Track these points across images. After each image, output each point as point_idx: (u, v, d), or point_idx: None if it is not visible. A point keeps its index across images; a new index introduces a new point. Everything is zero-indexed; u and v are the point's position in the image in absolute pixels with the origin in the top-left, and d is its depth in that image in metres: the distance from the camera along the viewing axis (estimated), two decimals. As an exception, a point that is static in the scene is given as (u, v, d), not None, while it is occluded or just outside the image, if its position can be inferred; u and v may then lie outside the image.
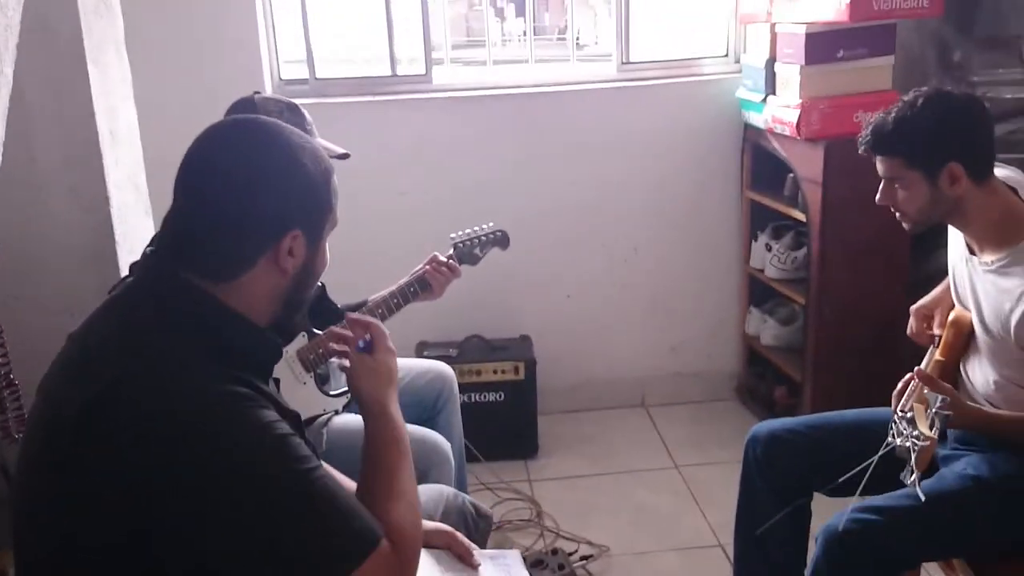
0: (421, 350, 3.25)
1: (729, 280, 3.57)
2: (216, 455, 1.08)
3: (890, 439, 1.72)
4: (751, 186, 3.40)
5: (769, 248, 3.30)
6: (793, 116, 2.92)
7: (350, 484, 1.41)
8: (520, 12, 5.63)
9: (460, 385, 2.51)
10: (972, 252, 1.86)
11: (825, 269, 2.97)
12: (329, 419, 2.11)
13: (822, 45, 2.88)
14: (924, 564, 2.04)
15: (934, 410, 1.67)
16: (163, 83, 2.88)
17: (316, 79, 3.32)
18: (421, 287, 2.31)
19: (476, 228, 2.43)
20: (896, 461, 1.73)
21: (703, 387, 3.64)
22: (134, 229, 2.14)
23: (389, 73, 3.38)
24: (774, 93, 3.08)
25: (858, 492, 1.81)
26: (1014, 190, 1.83)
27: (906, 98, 1.81)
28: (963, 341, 1.95)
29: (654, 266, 3.51)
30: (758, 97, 3.16)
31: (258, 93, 2.17)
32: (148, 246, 1.83)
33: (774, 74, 3.07)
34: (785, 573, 2.10)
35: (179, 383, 1.11)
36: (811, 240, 3.00)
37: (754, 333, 3.50)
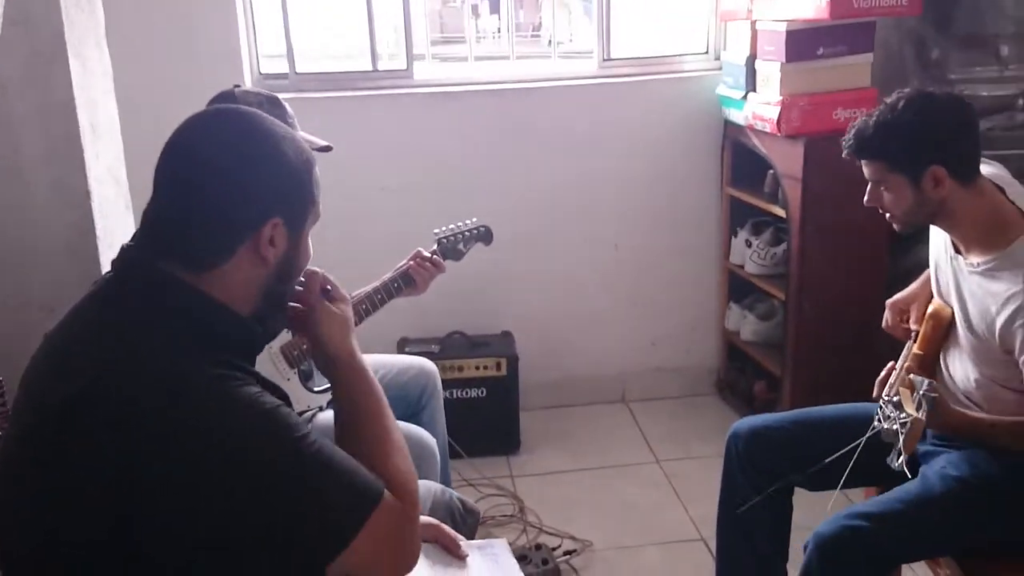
0: (403, 346, 3.25)
1: (709, 276, 3.60)
2: (208, 449, 1.07)
3: (876, 423, 1.74)
4: (731, 182, 3.43)
5: (749, 244, 3.33)
6: (773, 113, 2.94)
7: None
8: (494, 9, 5.63)
9: (442, 381, 2.51)
10: (958, 251, 1.86)
11: (805, 265, 2.99)
12: (313, 415, 2.10)
13: (802, 42, 2.90)
14: (911, 565, 2.07)
15: (921, 392, 1.69)
16: (142, 77, 2.85)
17: (296, 74, 3.30)
18: (405, 283, 2.30)
19: (459, 224, 2.43)
20: (878, 453, 1.75)
21: (683, 382, 3.66)
22: (115, 224, 2.12)
23: (370, 68, 3.36)
24: (754, 90, 3.10)
25: (841, 483, 1.83)
26: (1001, 189, 1.82)
27: (888, 100, 1.80)
28: (942, 334, 1.96)
29: (635, 262, 3.53)
30: (738, 94, 3.18)
31: (238, 87, 2.16)
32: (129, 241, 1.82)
33: (754, 71, 3.09)
34: (768, 566, 2.12)
35: (163, 372, 1.10)
36: (791, 236, 3.02)
37: (734, 328, 3.52)
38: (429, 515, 1.64)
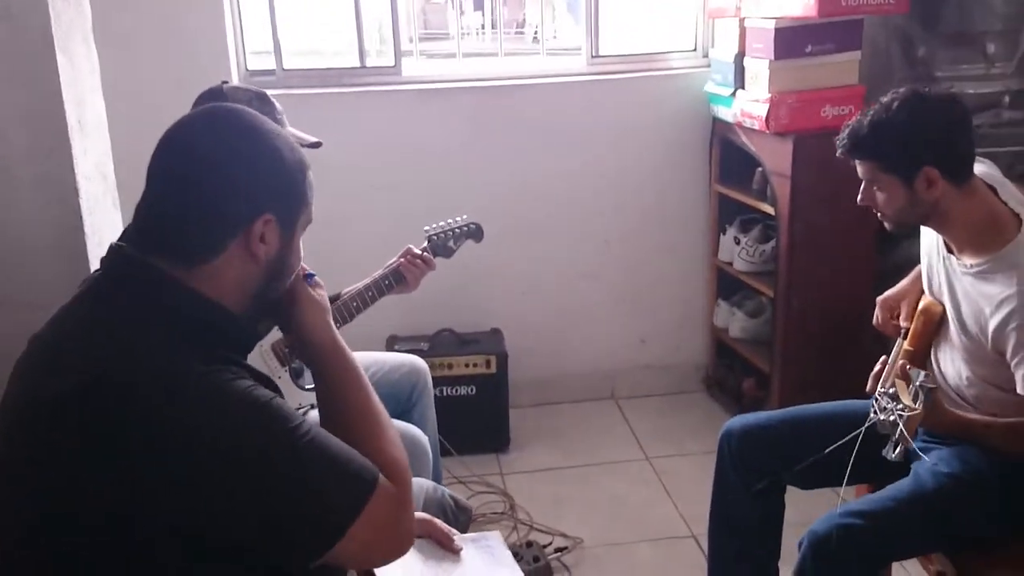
0: (392, 344, 3.24)
1: (697, 273, 3.60)
2: (203, 444, 1.07)
3: (872, 415, 1.74)
4: (719, 180, 3.43)
5: (737, 241, 3.33)
6: (762, 110, 2.94)
7: None
8: (478, 6, 5.62)
9: (432, 379, 2.50)
10: (950, 251, 1.86)
11: (793, 262, 3.00)
12: (305, 413, 2.09)
13: (791, 40, 2.91)
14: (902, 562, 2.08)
15: (918, 383, 1.69)
16: (129, 74, 2.83)
17: (283, 70, 3.28)
18: (396, 280, 2.29)
19: (450, 221, 2.42)
20: (871, 450, 1.76)
21: (672, 379, 3.67)
22: (102, 221, 2.09)
23: (358, 64, 3.35)
24: (743, 87, 3.11)
25: (845, 479, 1.83)
26: (993, 189, 1.82)
27: (883, 100, 1.80)
28: (933, 330, 1.97)
29: (624, 259, 3.53)
30: (727, 91, 3.18)
31: (226, 83, 2.15)
32: (118, 239, 1.80)
33: (743, 68, 3.10)
34: (760, 565, 2.12)
35: (156, 368, 1.10)
36: (779, 233, 3.03)
37: (722, 325, 3.53)
38: (422, 512, 1.63)
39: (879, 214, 1.90)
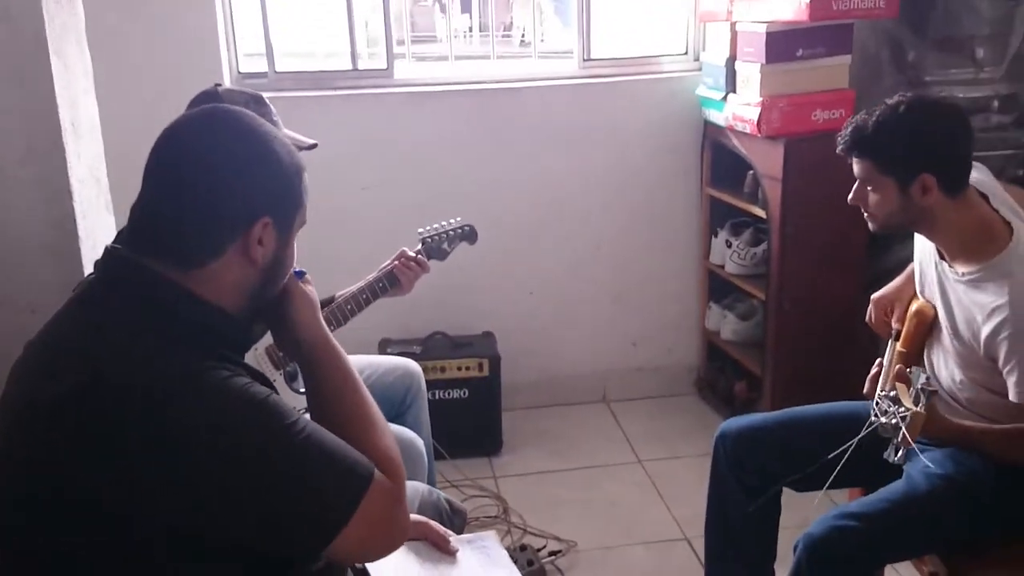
0: (384, 347, 3.23)
1: (689, 276, 3.61)
2: (201, 443, 1.07)
3: (873, 419, 1.74)
4: (711, 183, 3.44)
5: (729, 244, 3.35)
6: (754, 114, 2.96)
7: None
8: (466, 8, 5.62)
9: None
10: (942, 258, 1.87)
11: (785, 264, 3.01)
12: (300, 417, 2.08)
13: (782, 44, 2.92)
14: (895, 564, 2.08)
15: (919, 386, 1.70)
16: (120, 76, 2.82)
17: (276, 73, 3.28)
18: (390, 283, 2.29)
19: (444, 223, 2.42)
20: (866, 453, 1.77)
21: (663, 382, 3.67)
22: (95, 223, 2.09)
23: (350, 67, 3.35)
24: (734, 91, 3.12)
25: (829, 482, 1.84)
26: (985, 196, 1.83)
27: (890, 102, 1.80)
28: (925, 331, 1.98)
29: (615, 262, 3.54)
30: (718, 95, 3.20)
31: (219, 85, 2.14)
32: (112, 242, 1.79)
33: (734, 72, 3.11)
34: (756, 567, 2.12)
35: (153, 369, 1.10)
36: (771, 236, 3.05)
37: (714, 328, 3.54)
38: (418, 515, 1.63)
39: (867, 214, 1.90)
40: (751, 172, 3.17)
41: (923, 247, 1.97)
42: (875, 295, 2.12)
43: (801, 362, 3.08)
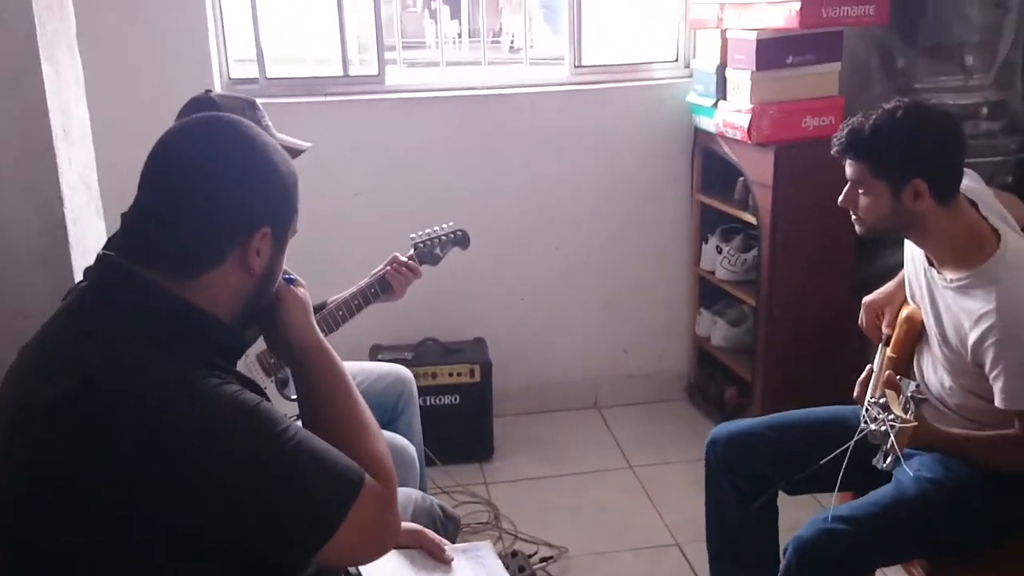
0: (375, 353, 3.23)
1: (679, 282, 3.62)
2: (193, 449, 1.08)
3: (863, 425, 1.75)
4: (701, 189, 3.45)
5: (719, 250, 3.36)
6: (744, 121, 2.97)
7: None
8: (454, 15, 5.63)
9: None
10: (931, 264, 1.88)
11: (775, 271, 3.02)
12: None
13: (772, 51, 2.93)
14: (885, 568, 2.09)
15: (908, 394, 1.71)
16: (111, 82, 2.81)
17: (266, 79, 3.28)
18: (382, 288, 2.29)
19: (436, 228, 2.42)
20: (856, 458, 1.78)
21: (654, 388, 3.68)
22: (86, 230, 2.09)
23: (341, 73, 3.35)
24: (725, 98, 3.13)
25: (836, 486, 1.84)
26: (974, 203, 1.84)
27: (887, 106, 1.81)
28: (915, 336, 1.99)
29: (606, 268, 3.54)
30: (709, 102, 3.21)
31: (209, 91, 2.14)
32: (103, 249, 1.79)
33: (725, 79, 3.12)
34: (757, 569, 2.12)
35: (146, 375, 1.10)
36: (761, 242, 3.06)
37: (704, 334, 3.55)
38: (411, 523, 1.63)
39: (855, 217, 1.90)
40: (741, 179, 3.19)
41: (912, 253, 1.98)
42: (866, 299, 2.13)
43: (791, 368, 3.09)
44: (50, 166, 1.89)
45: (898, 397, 1.72)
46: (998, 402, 1.75)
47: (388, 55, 3.36)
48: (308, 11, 3.56)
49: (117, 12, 2.97)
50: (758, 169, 3.02)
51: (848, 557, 1.79)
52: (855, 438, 1.79)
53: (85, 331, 1.17)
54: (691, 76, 3.39)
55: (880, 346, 2.06)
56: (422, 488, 2.24)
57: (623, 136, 3.42)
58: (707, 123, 3.25)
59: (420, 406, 2.51)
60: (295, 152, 1.97)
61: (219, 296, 1.21)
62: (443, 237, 2.41)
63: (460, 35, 5.88)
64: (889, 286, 2.11)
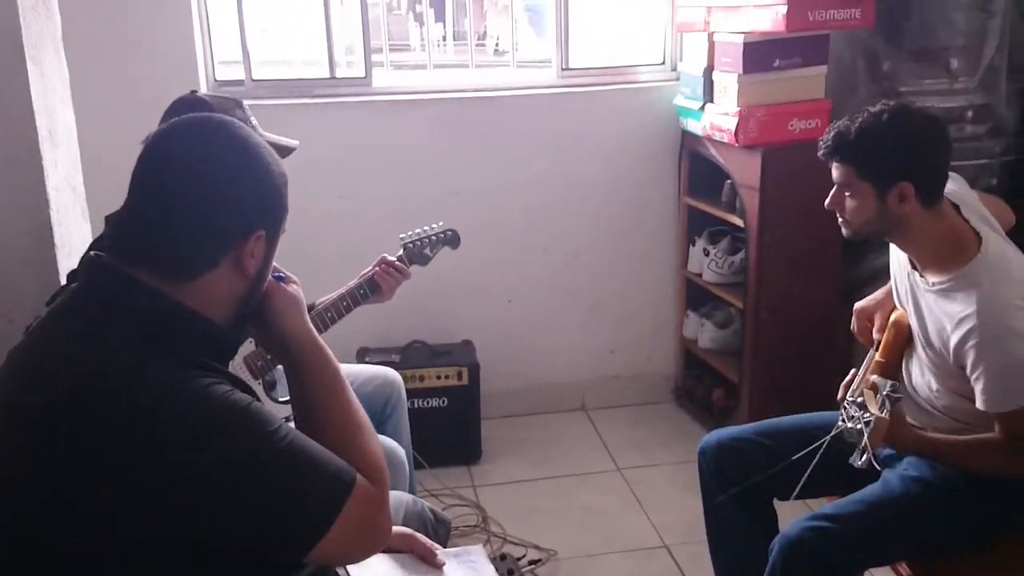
0: (362, 356, 3.22)
1: (667, 284, 3.63)
2: (184, 449, 1.08)
3: (840, 423, 1.77)
4: (688, 192, 3.46)
5: (707, 253, 3.36)
6: (731, 124, 2.98)
7: None
8: (439, 17, 5.64)
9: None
10: (914, 267, 1.89)
11: (762, 273, 3.03)
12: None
13: (759, 54, 2.94)
14: (872, 568, 2.10)
15: (884, 392, 1.73)
16: (96, 84, 2.78)
17: (253, 80, 3.26)
18: (371, 289, 2.28)
19: (426, 228, 2.42)
20: (843, 461, 1.78)
21: (642, 390, 3.68)
22: (71, 232, 2.07)
23: (328, 75, 3.34)
24: (712, 101, 3.14)
25: (801, 483, 1.86)
26: (956, 207, 1.85)
27: (872, 109, 1.82)
28: (903, 340, 2.00)
29: (594, 270, 3.54)
30: (696, 105, 3.22)
31: (195, 92, 2.13)
32: (89, 250, 1.77)
33: (712, 82, 3.13)
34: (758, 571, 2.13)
35: (139, 376, 1.10)
36: (748, 245, 3.06)
37: (692, 336, 3.55)
38: (402, 526, 1.62)
39: (842, 220, 1.91)
40: (728, 181, 3.19)
41: (898, 257, 1.99)
42: (858, 305, 2.14)
43: (778, 370, 3.10)
44: (35, 168, 1.87)
45: (876, 396, 1.74)
46: (979, 404, 1.76)
47: (375, 57, 3.35)
48: (294, 13, 3.55)
49: (103, 13, 2.95)
50: (745, 172, 3.03)
51: (833, 555, 1.79)
52: (830, 435, 1.81)
53: (76, 332, 1.16)
54: (678, 79, 3.40)
55: (871, 350, 2.08)
56: (411, 491, 2.24)
57: (610, 139, 3.43)
58: (694, 126, 3.25)
59: (408, 409, 2.50)
60: (284, 151, 1.97)
61: (212, 298, 1.21)
62: (433, 237, 2.41)
63: (445, 38, 5.87)
64: (880, 292, 2.12)
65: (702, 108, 3.17)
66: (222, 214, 1.18)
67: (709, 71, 3.14)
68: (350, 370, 2.41)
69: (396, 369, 2.56)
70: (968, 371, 1.76)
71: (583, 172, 3.43)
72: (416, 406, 3.09)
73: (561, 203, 3.45)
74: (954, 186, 1.90)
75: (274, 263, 1.34)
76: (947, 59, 3.01)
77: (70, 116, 2.11)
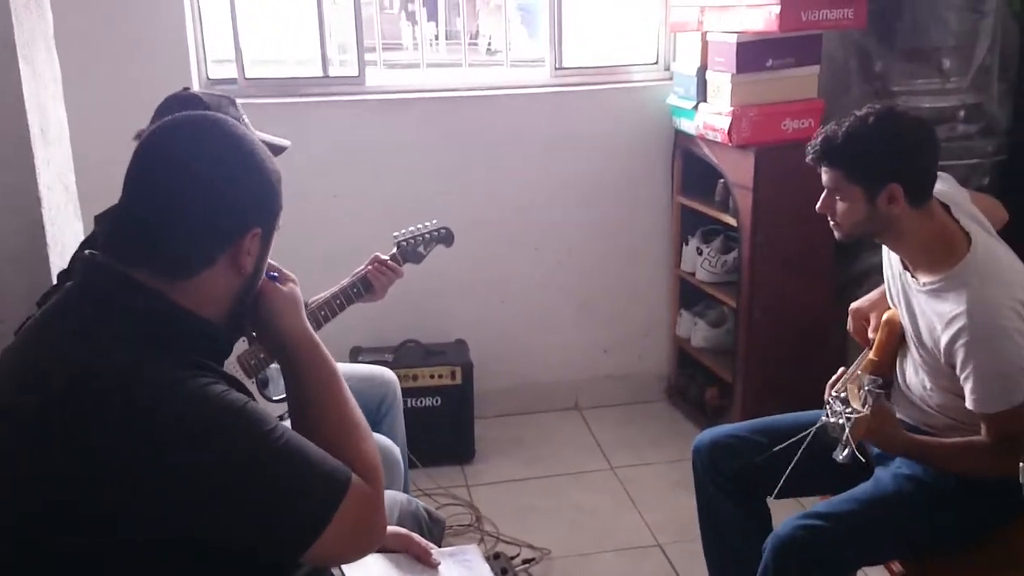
0: (356, 355, 3.21)
1: (660, 283, 3.63)
2: (180, 449, 1.07)
3: (823, 418, 1.80)
4: (682, 191, 3.46)
5: (700, 252, 3.37)
6: (724, 123, 2.98)
7: None
8: (432, 16, 5.64)
9: (398, 390, 2.48)
10: (906, 268, 1.90)
11: (755, 272, 3.04)
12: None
13: (752, 54, 2.95)
14: (865, 567, 2.11)
15: (867, 388, 1.75)
16: (88, 82, 2.78)
17: (246, 79, 3.25)
18: (364, 288, 2.28)
19: (419, 226, 2.42)
20: (833, 462, 1.79)
21: (634, 389, 3.68)
22: (63, 231, 2.06)
23: (321, 74, 3.33)
24: (705, 100, 3.14)
25: (784, 477, 1.88)
26: (946, 207, 1.86)
27: (859, 113, 1.82)
28: (896, 340, 2.01)
29: (587, 269, 3.55)
30: (689, 104, 3.22)
31: (187, 89, 2.12)
32: (80, 248, 1.77)
33: (705, 82, 3.13)
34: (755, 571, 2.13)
35: (134, 376, 1.10)
36: (741, 244, 3.07)
37: (685, 335, 3.56)
38: (396, 525, 1.62)
39: (833, 223, 1.92)
40: (722, 181, 3.20)
41: (890, 258, 1.99)
42: (853, 305, 2.15)
43: (771, 369, 3.11)
44: (27, 166, 1.87)
45: (859, 392, 1.75)
46: (968, 403, 1.77)
47: (368, 56, 3.35)
48: (287, 12, 3.54)
49: (95, 11, 2.94)
50: (738, 171, 3.04)
51: (824, 553, 1.80)
52: (813, 429, 1.83)
53: (71, 331, 1.16)
54: (671, 78, 3.41)
55: (864, 349, 2.08)
56: (405, 491, 2.23)
57: (603, 138, 3.43)
58: (687, 125, 3.26)
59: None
60: (275, 150, 1.96)
61: (208, 296, 1.21)
62: (427, 235, 2.40)
63: (437, 37, 5.87)
64: (875, 292, 2.12)
65: (695, 108, 3.18)
66: (219, 212, 1.18)
67: (702, 71, 3.14)
68: (345, 369, 2.38)
69: (390, 368, 2.56)
70: (958, 370, 1.77)
71: (576, 171, 3.43)
72: (409, 405, 3.06)
73: (555, 202, 3.45)
74: (944, 186, 1.91)
75: (273, 261, 1.34)
76: (939, 59, 3.02)
77: (62, 114, 2.10)
